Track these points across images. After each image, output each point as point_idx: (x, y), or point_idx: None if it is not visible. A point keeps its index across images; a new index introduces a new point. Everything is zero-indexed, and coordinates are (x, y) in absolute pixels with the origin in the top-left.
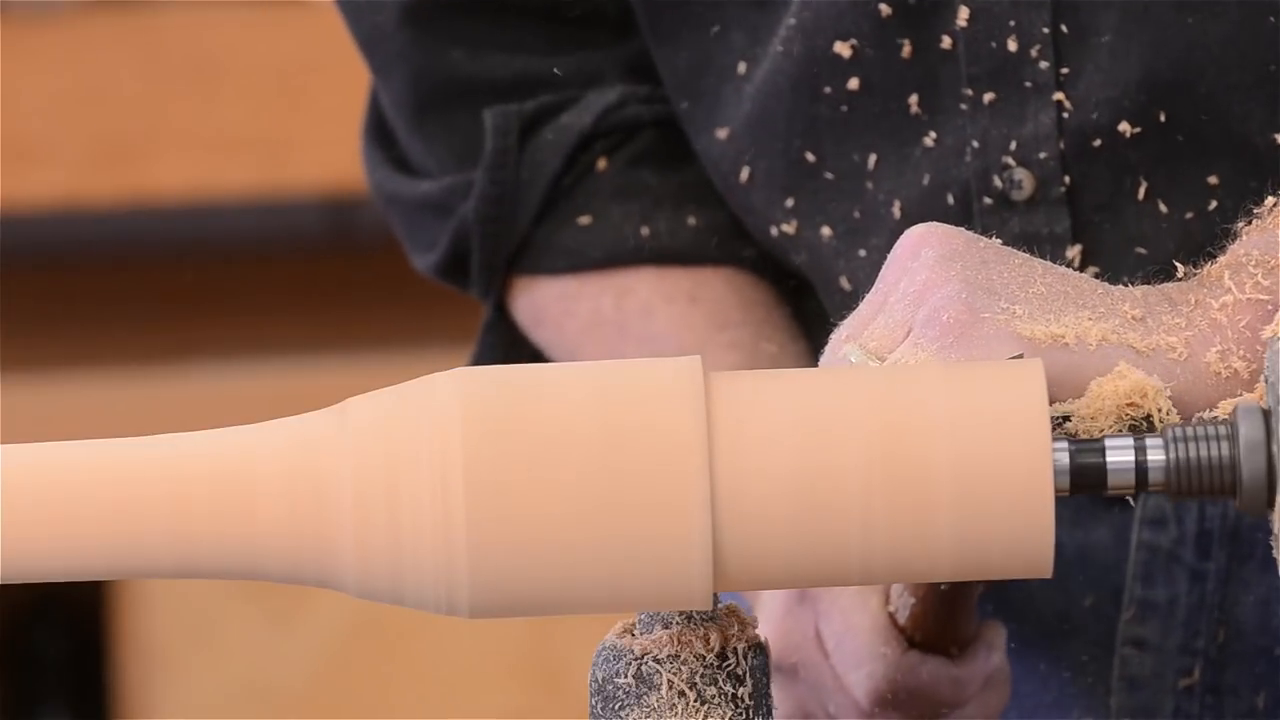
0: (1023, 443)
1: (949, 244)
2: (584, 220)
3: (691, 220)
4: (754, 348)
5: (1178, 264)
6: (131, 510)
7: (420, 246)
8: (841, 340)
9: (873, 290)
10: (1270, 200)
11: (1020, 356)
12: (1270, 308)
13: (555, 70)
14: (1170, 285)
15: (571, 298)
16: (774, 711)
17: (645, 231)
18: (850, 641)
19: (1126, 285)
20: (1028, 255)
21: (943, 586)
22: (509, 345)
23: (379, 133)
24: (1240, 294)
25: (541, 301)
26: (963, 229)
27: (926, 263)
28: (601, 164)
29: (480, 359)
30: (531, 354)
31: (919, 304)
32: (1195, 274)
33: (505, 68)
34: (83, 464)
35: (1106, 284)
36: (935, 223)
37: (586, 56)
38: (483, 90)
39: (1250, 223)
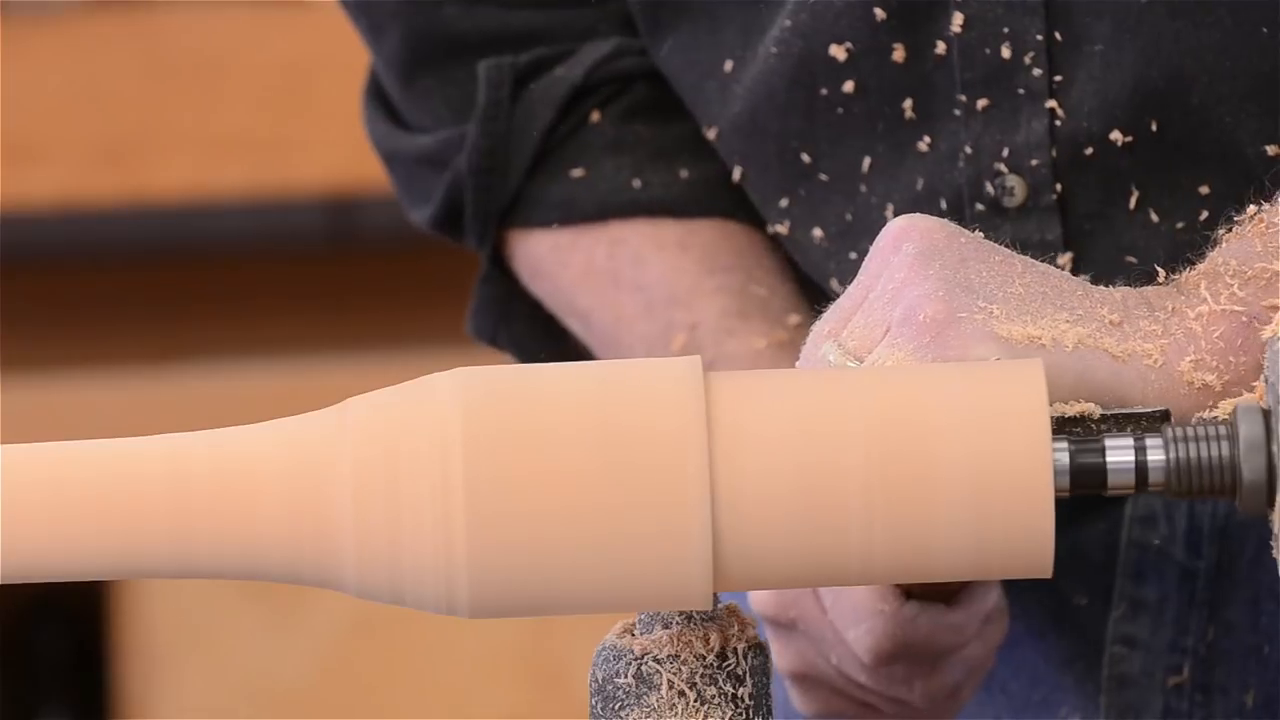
0: (1023, 442)
1: (929, 239)
2: (576, 173)
3: (684, 173)
4: (743, 291)
5: (1159, 269)
6: (131, 510)
7: (417, 201)
8: (823, 337)
9: (854, 283)
10: (1251, 208)
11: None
12: (1245, 319)
13: (549, 25)
14: (1150, 290)
15: (565, 249)
16: (776, 667)
17: (637, 184)
18: (846, 600)
19: (1107, 286)
20: (1009, 251)
21: None
22: (505, 298)
23: (377, 96)
24: (1215, 304)
25: (536, 253)
26: (946, 221)
27: (906, 259)
28: (595, 117)
29: (477, 312)
30: (528, 305)
31: (896, 302)
32: (1174, 279)
33: (499, 22)
34: (83, 464)
35: (1086, 284)
36: (918, 215)
37: (582, 10)
38: (477, 45)
39: (1231, 230)
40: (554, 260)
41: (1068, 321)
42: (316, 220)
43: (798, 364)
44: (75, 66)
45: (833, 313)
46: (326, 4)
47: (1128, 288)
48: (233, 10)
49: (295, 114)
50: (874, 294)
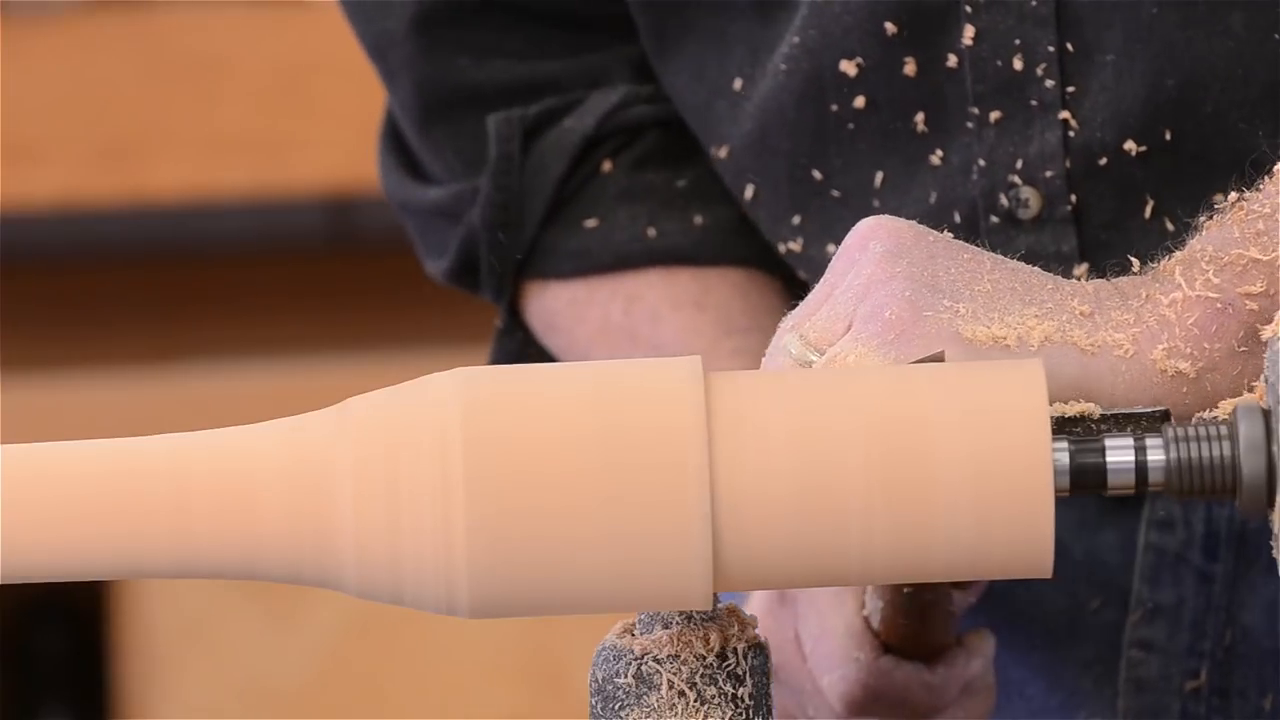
0: (1023, 442)
1: (897, 238)
2: (590, 223)
3: (698, 219)
4: (759, 354)
5: (1133, 260)
6: (131, 510)
7: (432, 252)
8: (786, 330)
9: (822, 281)
10: (1233, 195)
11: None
12: (1220, 305)
13: (560, 73)
14: (1123, 279)
15: (581, 303)
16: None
17: (652, 233)
18: (825, 645)
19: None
20: (977, 249)
21: (905, 589)
22: (523, 351)
23: (393, 139)
24: (1190, 290)
25: (553, 307)
26: (914, 222)
27: (873, 257)
28: (607, 166)
29: (495, 364)
30: (546, 359)
31: (862, 299)
32: (1151, 268)
33: (511, 73)
34: (83, 464)
35: (1058, 278)
36: (887, 216)
37: (593, 58)
38: (489, 96)
39: (1211, 218)
40: (570, 315)
41: (1035, 317)
42: (316, 220)
43: (764, 358)
44: (75, 66)
45: (800, 308)
46: (326, 4)
47: (1101, 279)
48: (233, 10)
49: (295, 114)
50: (839, 290)
